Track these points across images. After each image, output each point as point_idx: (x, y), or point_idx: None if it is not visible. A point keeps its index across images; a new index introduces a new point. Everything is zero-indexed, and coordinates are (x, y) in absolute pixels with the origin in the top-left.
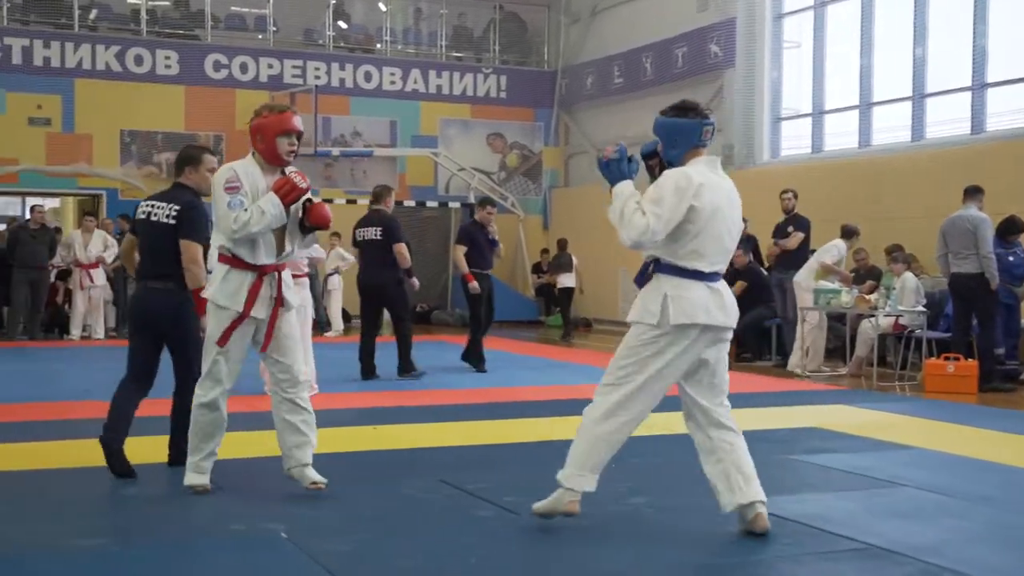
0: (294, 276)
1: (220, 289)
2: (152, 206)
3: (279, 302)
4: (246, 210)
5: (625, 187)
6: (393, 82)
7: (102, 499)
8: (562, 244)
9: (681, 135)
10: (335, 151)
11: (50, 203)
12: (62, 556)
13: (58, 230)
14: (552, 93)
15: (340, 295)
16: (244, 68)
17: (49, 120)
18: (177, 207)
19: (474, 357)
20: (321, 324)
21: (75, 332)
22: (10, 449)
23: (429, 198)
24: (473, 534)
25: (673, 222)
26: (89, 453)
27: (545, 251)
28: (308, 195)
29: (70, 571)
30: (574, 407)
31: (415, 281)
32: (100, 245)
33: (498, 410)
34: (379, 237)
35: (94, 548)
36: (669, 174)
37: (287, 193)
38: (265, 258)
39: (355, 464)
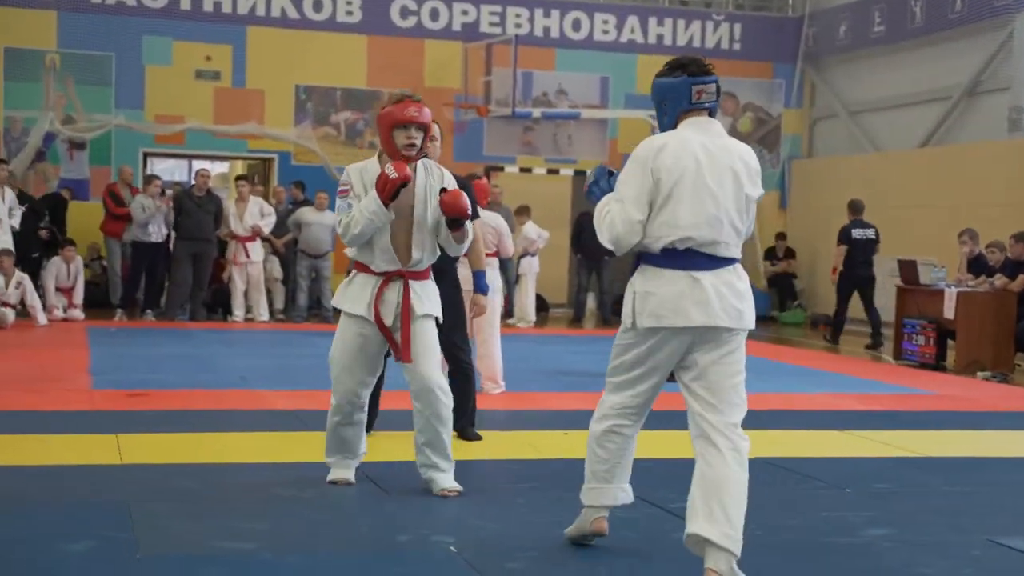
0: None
1: (344, 294)
2: None
3: (406, 311)
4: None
5: (603, 200)
6: (606, 31)
7: (255, 499)
8: None
9: (669, 98)
10: (536, 112)
11: (219, 167)
12: (203, 559)
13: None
14: (796, 44)
15: (534, 280)
16: (435, 15)
17: (218, 73)
18: None
19: None
20: (510, 312)
21: (238, 313)
22: (158, 440)
23: None
24: (672, 560)
25: (643, 200)
26: (239, 446)
27: (781, 235)
28: (442, 192)
29: None
30: (793, 420)
31: None
32: (256, 215)
33: None
34: None
35: (242, 552)
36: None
37: (381, 187)
38: (386, 266)
39: (540, 473)
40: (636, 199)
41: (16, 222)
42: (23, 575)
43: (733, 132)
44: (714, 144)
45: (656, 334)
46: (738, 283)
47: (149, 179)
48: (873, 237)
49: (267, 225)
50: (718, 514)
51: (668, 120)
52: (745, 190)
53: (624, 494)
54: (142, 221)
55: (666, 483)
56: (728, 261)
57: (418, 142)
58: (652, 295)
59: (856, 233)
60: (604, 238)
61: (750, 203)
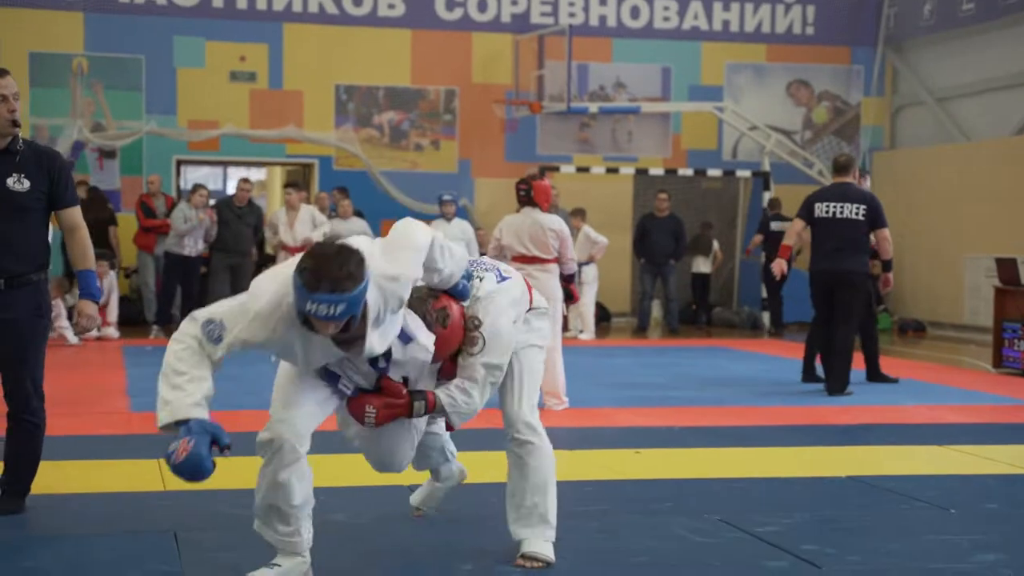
0: (542, 260)
1: None
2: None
3: None
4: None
5: None
6: (667, 18)
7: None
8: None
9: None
10: (593, 107)
11: (255, 174)
12: None
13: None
14: (875, 26)
15: (594, 289)
16: (483, 6)
17: (254, 74)
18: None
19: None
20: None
21: None
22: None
23: (711, 165)
24: None
25: None
26: None
27: None
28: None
29: None
30: (886, 434)
31: (891, 276)
32: (308, 224)
33: (794, 435)
34: (860, 216)
35: None
36: None
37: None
38: None
39: (611, 496)
40: None
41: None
42: None
43: (808, 124)
44: None
45: None
46: None
47: (195, 188)
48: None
49: (319, 237)
50: None
51: None
52: None
53: None
54: (183, 232)
55: (755, 505)
56: None
57: None
58: None
59: (774, 225)
60: None
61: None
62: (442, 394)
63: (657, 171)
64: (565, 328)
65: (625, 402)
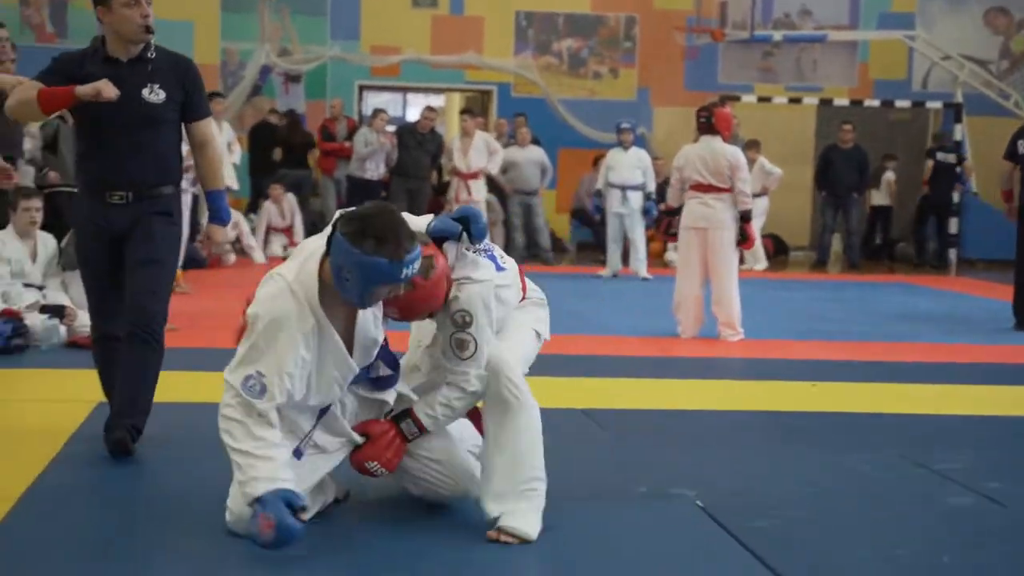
0: (717, 189)
1: None
2: None
3: None
4: None
5: None
6: None
7: None
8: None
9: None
10: (777, 35)
11: (434, 100)
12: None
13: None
14: None
15: (762, 222)
16: None
17: (436, 0)
18: None
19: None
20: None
21: None
22: None
23: (900, 96)
24: (944, 526)
25: None
26: None
27: None
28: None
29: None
30: None
31: None
32: (483, 152)
33: (979, 373)
34: None
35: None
36: None
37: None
38: None
39: (788, 427)
40: None
41: (236, 158)
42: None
43: (1005, 54)
44: None
45: None
46: None
47: (376, 113)
48: (953, 162)
49: (495, 164)
50: None
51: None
52: None
53: None
54: (363, 155)
55: (938, 441)
56: None
57: None
58: None
59: (939, 156)
60: None
61: None
62: (423, 415)
63: (842, 101)
64: (741, 261)
65: (802, 335)
